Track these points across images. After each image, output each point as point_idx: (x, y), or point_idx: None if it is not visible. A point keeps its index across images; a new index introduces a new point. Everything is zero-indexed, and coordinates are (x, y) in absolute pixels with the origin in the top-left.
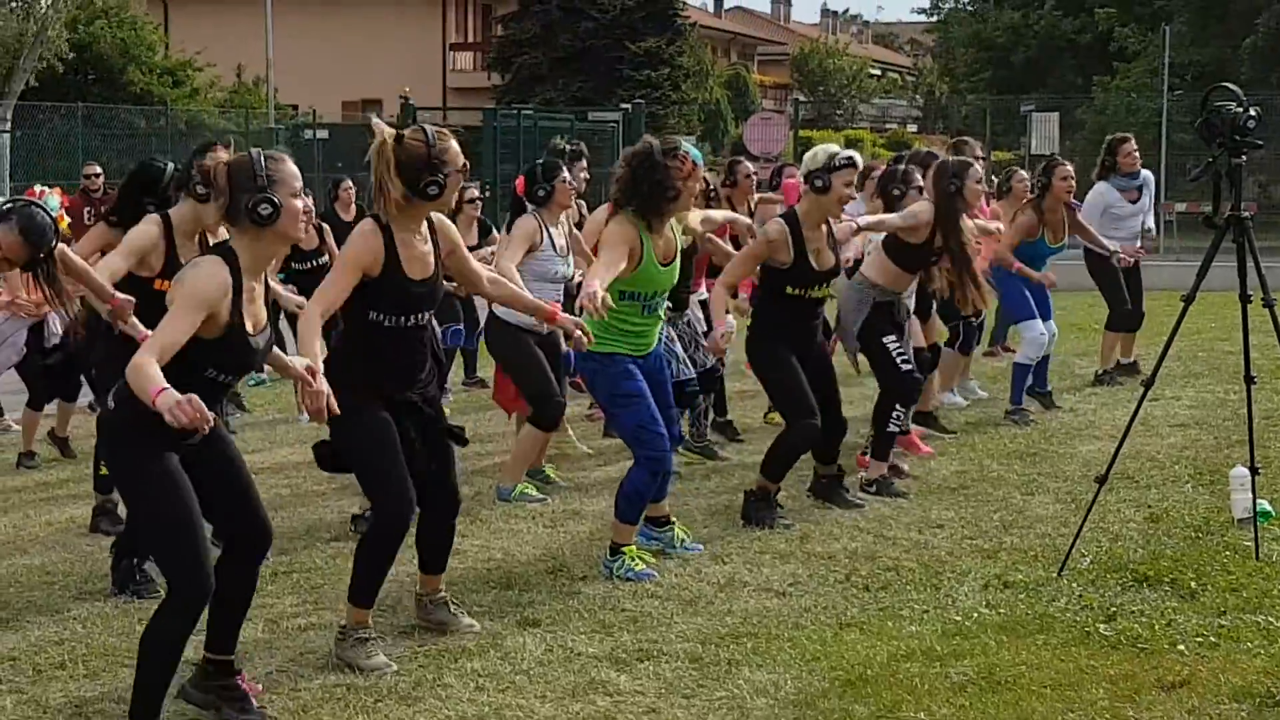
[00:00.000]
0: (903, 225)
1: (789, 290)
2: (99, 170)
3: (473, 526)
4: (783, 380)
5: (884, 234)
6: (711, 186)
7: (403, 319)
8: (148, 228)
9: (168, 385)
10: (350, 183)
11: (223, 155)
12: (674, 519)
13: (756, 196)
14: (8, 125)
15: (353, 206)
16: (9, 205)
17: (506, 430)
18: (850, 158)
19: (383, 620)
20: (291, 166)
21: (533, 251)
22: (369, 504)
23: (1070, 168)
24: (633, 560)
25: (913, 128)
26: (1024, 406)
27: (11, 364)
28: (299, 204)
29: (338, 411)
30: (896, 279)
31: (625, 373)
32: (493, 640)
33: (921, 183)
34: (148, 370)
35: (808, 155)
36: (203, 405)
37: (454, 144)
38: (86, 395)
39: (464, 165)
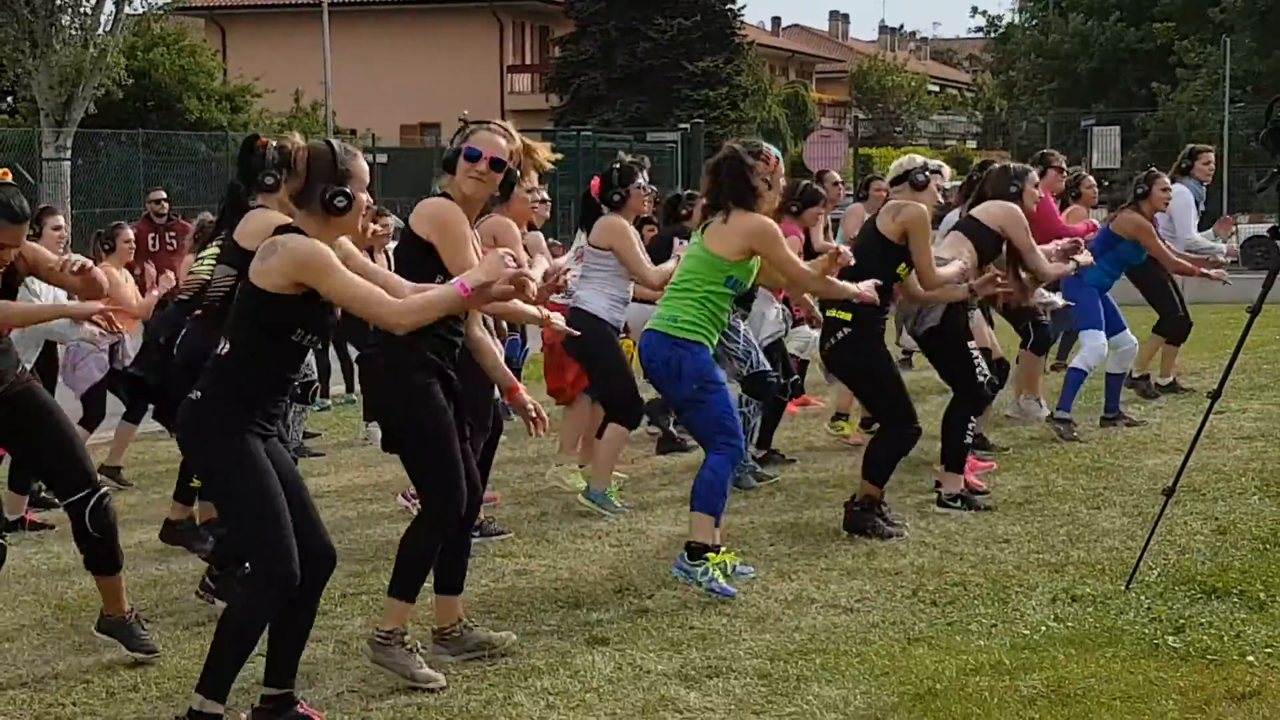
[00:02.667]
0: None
1: (899, 270)
2: (164, 195)
3: (539, 547)
4: (886, 382)
5: (959, 220)
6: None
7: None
8: (267, 215)
9: (460, 279)
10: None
11: (298, 139)
12: (722, 546)
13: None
14: (68, 153)
15: None
16: None
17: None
18: (940, 166)
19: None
20: (364, 163)
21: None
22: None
23: (1169, 181)
24: (716, 570)
25: (972, 143)
26: (1070, 417)
27: (96, 379)
28: (365, 199)
29: None
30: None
31: (712, 362)
32: (562, 659)
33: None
34: (431, 299)
35: (902, 160)
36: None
37: (483, 132)
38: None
39: (469, 150)
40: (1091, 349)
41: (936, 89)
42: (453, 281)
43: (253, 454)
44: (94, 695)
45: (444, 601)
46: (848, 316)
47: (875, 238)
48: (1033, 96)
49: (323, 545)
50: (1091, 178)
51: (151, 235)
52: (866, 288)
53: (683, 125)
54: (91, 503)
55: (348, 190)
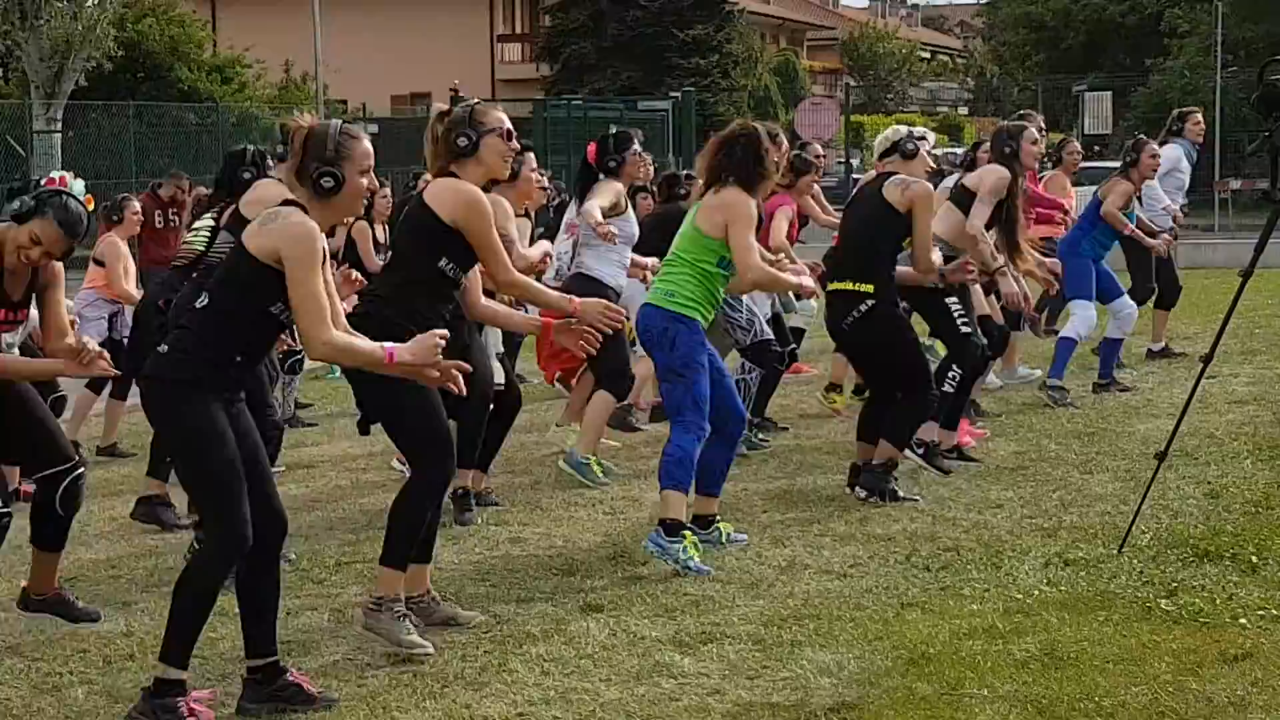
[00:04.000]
0: (995, 193)
1: (904, 246)
2: (185, 182)
3: (534, 515)
4: (910, 348)
5: (952, 189)
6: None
7: (464, 272)
8: (276, 186)
9: (393, 346)
10: (429, 175)
11: (305, 119)
12: (718, 516)
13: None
14: (58, 125)
15: None
16: (38, 197)
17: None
18: (924, 132)
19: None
20: (365, 145)
21: (618, 214)
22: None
23: (1157, 148)
24: (693, 548)
25: (964, 110)
26: (1062, 384)
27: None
28: (364, 182)
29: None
30: (961, 235)
31: (704, 343)
32: (556, 625)
33: (1035, 135)
34: (358, 346)
35: (887, 133)
36: (436, 342)
37: (495, 111)
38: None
39: (505, 130)
40: (1081, 318)
41: (928, 56)
42: (385, 345)
43: (210, 418)
44: (90, 664)
45: (414, 571)
46: (869, 288)
47: (883, 207)
48: (1021, 64)
49: (276, 511)
50: (1077, 144)
51: (157, 211)
52: (808, 282)
53: (674, 94)
54: (68, 480)
55: (335, 172)
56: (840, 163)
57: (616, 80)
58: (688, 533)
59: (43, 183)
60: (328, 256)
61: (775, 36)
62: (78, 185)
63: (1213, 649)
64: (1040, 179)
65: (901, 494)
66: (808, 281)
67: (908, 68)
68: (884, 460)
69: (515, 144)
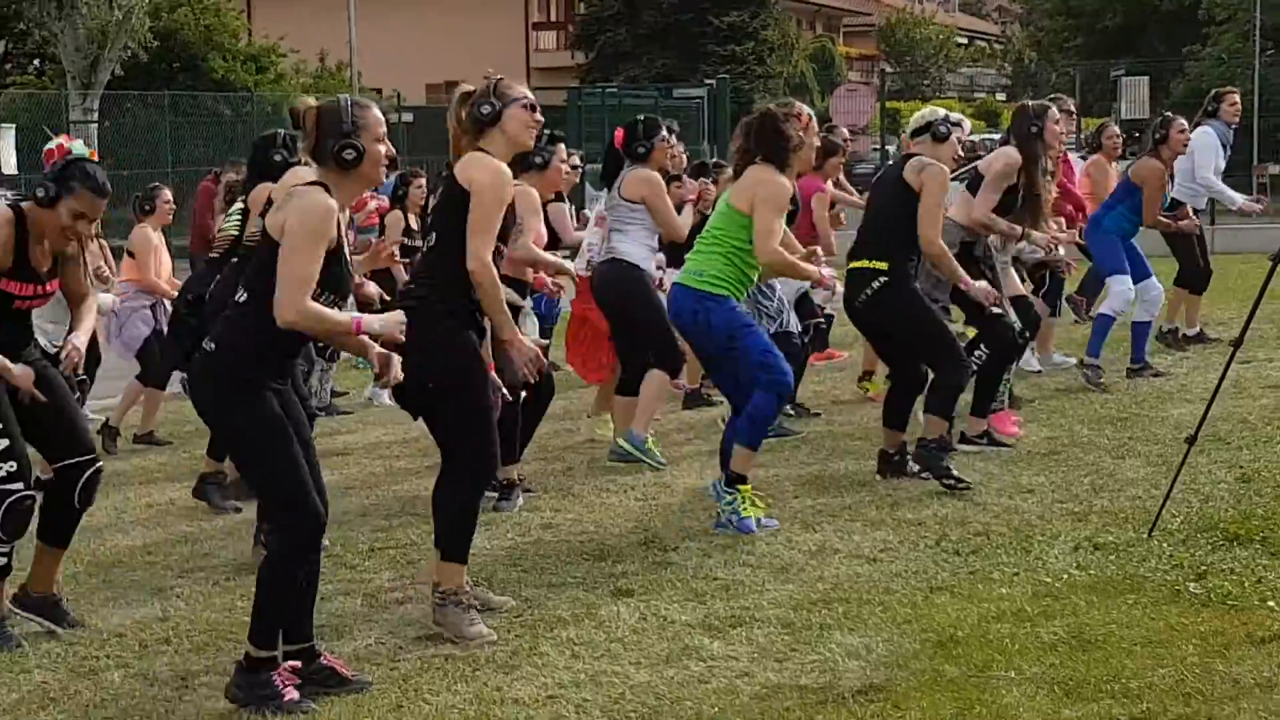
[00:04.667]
0: (1001, 177)
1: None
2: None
3: (565, 501)
4: (929, 322)
5: (969, 175)
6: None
7: (500, 258)
8: (308, 171)
9: (360, 316)
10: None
11: (310, 101)
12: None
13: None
14: (95, 115)
15: None
16: (57, 178)
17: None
18: (960, 119)
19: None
20: (377, 113)
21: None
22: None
23: (1185, 123)
24: (745, 502)
25: (1001, 96)
26: (1099, 363)
27: (144, 336)
28: (382, 149)
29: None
30: (976, 221)
31: (739, 311)
32: (587, 610)
33: (1058, 115)
34: (327, 314)
35: (923, 111)
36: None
37: (520, 85)
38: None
39: (529, 101)
40: (1117, 294)
41: (965, 41)
42: (354, 315)
43: (267, 413)
44: (127, 648)
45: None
46: (884, 266)
47: (902, 188)
48: (1058, 49)
49: (324, 499)
50: (1116, 128)
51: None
52: (829, 274)
53: (709, 81)
54: (89, 472)
55: (355, 143)
56: (876, 149)
57: (651, 68)
58: (745, 487)
59: (43, 154)
60: (344, 241)
61: (811, 23)
62: (77, 146)
63: (1240, 631)
64: (1083, 163)
65: (955, 474)
66: (828, 272)
67: (945, 53)
68: (935, 437)
69: (539, 116)
